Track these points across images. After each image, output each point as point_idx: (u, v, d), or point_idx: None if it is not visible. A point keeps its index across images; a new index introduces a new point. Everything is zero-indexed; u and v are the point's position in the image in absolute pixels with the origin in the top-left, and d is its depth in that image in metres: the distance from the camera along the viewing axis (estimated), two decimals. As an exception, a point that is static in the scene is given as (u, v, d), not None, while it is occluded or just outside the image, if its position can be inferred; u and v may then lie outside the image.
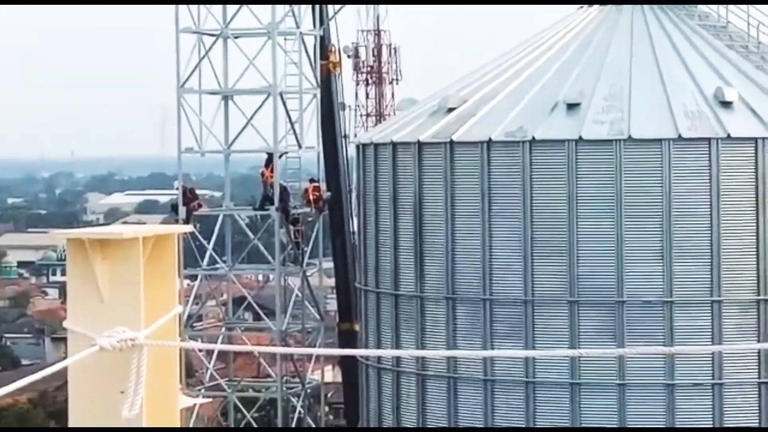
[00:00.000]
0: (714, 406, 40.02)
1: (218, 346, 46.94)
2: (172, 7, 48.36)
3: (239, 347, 48.67)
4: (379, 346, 45.40)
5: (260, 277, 56.25)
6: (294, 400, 48.80)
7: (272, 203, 48.75)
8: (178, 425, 6.12)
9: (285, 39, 48.91)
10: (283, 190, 48.84)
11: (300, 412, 48.66)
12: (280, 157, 49.40)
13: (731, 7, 44.49)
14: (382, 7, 59.09)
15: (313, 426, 49.29)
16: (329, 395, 53.55)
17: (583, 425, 40.30)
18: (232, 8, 48.83)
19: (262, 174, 49.10)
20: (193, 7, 48.41)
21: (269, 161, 48.95)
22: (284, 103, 48.84)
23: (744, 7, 44.23)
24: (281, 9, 48.35)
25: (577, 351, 40.22)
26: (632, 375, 40.11)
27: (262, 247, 49.71)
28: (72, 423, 5.90)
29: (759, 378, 40.24)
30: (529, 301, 40.78)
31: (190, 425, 47.00)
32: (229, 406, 49.50)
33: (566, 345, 40.08)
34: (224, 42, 49.00)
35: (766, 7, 44.50)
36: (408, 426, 43.14)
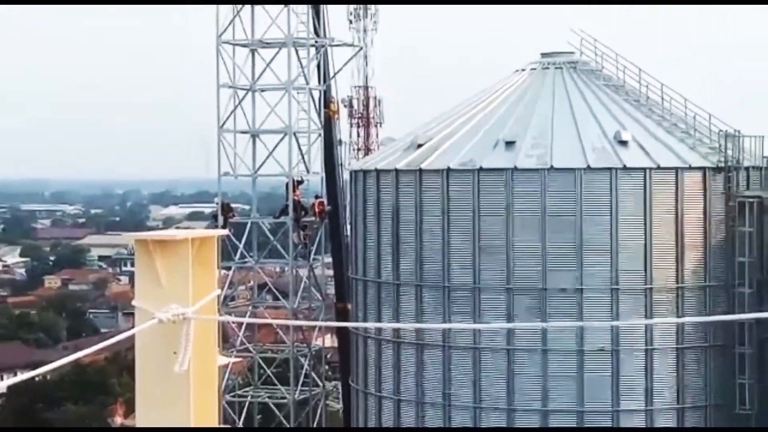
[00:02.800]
0: (613, 367, 40.13)
1: (246, 320, 46.84)
2: (214, 67, 48.47)
3: (262, 320, 48.54)
4: (365, 320, 45.41)
5: (278, 269, 55.99)
6: (302, 359, 48.82)
7: (288, 214, 48.81)
8: (217, 379, 6.12)
9: (298, 92, 48.97)
10: (297, 204, 48.92)
11: (306, 368, 48.67)
12: (301, 182, 49.45)
13: (627, 70, 44.64)
14: (369, 68, 59.19)
15: (318, 381, 49.25)
16: (328, 356, 53.55)
17: (516, 381, 40.33)
18: (259, 68, 48.97)
19: (295, 193, 49.08)
20: (230, 67, 48.49)
21: (298, 184, 49.09)
22: (297, 140, 48.91)
23: (636, 70, 44.40)
24: (295, 69, 48.45)
25: (512, 324, 40.15)
26: (553, 343, 40.19)
27: (279, 246, 49.73)
28: (138, 377, 5.91)
29: (645, 346, 40.38)
30: (477, 288, 40.86)
31: (225, 378, 46.92)
32: (254, 363, 49.48)
33: (504, 320, 40.22)
34: (252, 94, 49.04)
35: (654, 69, 44.71)
36: (387, 380, 43.17)
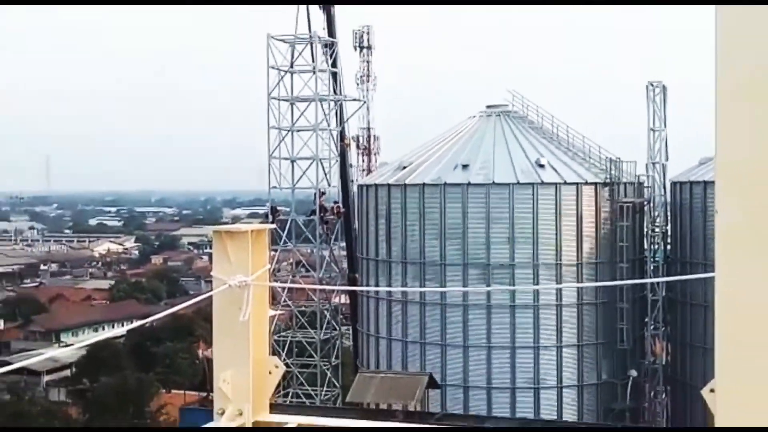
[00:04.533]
0: (534, 317, 40.24)
1: (287, 285, 46.82)
2: (266, 115, 48.48)
3: (298, 285, 48.42)
4: (368, 285, 45.50)
5: (309, 250, 55.90)
6: (325, 312, 48.82)
7: (315, 214, 48.84)
8: (268, 325, 6.11)
9: (322, 132, 48.94)
10: (321, 207, 48.95)
11: (328, 318, 48.66)
12: (324, 193, 49.43)
13: (544, 117, 44.70)
14: (370, 115, 59.06)
15: (336, 326, 49.13)
16: (343, 309, 53.47)
17: (469, 326, 40.37)
18: (296, 115, 48.92)
19: (320, 200, 49.06)
20: (277, 115, 48.52)
21: (322, 194, 49.12)
22: (321, 164, 48.86)
23: (550, 117, 44.52)
24: (321, 116, 48.43)
25: (465, 288, 40.15)
26: (495, 300, 40.29)
27: (309, 235, 49.70)
28: (214, 324, 5.88)
29: (556, 302, 40.49)
30: (443, 264, 40.94)
31: (273, 324, 46.84)
32: (293, 314, 49.48)
33: (460, 284, 40.31)
34: (292, 134, 49.02)
35: (563, 114, 44.80)
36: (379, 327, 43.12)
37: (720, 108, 2.14)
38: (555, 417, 38.96)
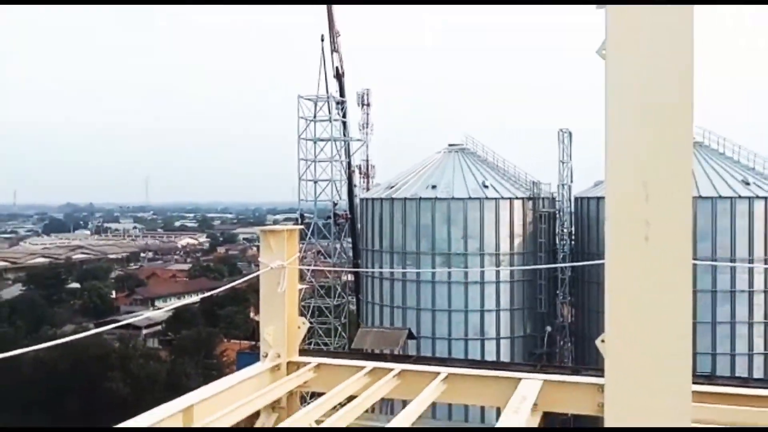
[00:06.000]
0: (481, 290, 40.09)
1: (311, 267, 46.56)
2: (296, 150, 48.36)
3: (319, 267, 48.19)
4: (366, 267, 45.29)
5: (326, 243, 55.65)
6: (338, 286, 48.60)
7: (331, 219, 48.68)
8: (297, 294, 6.06)
9: (335, 162, 48.81)
10: (334, 214, 48.83)
11: (339, 291, 48.44)
12: (336, 204, 49.25)
13: (488, 153, 44.61)
14: (369, 150, 58.79)
15: (344, 295, 48.78)
16: (350, 284, 53.13)
17: (437, 296, 40.15)
18: (317, 150, 48.79)
19: (334, 209, 48.88)
20: (304, 150, 48.43)
21: (335, 205, 48.96)
22: (335, 185, 48.75)
23: (492, 152, 44.46)
24: (335, 151, 48.42)
25: (433, 269, 39.98)
26: (454, 278, 40.11)
27: (326, 233, 49.48)
28: (261, 294, 5.84)
29: (495, 280, 40.33)
30: (418, 253, 40.75)
31: (301, 295, 46.42)
32: (315, 288, 49.23)
33: (429, 267, 40.15)
34: (314, 163, 48.88)
35: (505, 152, 44.76)
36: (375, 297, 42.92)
37: (608, 145, 2.15)
38: (495, 359, 38.87)
